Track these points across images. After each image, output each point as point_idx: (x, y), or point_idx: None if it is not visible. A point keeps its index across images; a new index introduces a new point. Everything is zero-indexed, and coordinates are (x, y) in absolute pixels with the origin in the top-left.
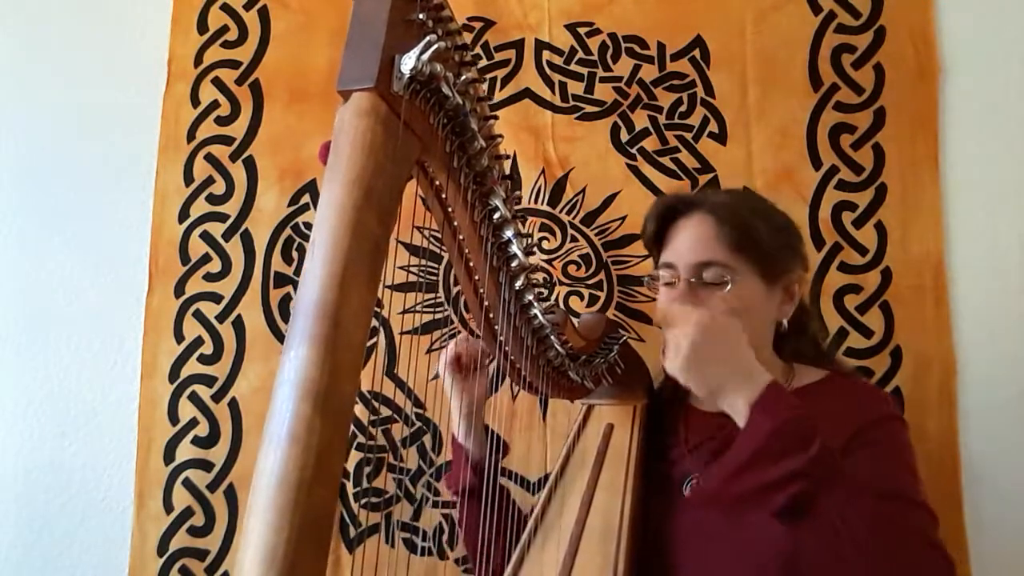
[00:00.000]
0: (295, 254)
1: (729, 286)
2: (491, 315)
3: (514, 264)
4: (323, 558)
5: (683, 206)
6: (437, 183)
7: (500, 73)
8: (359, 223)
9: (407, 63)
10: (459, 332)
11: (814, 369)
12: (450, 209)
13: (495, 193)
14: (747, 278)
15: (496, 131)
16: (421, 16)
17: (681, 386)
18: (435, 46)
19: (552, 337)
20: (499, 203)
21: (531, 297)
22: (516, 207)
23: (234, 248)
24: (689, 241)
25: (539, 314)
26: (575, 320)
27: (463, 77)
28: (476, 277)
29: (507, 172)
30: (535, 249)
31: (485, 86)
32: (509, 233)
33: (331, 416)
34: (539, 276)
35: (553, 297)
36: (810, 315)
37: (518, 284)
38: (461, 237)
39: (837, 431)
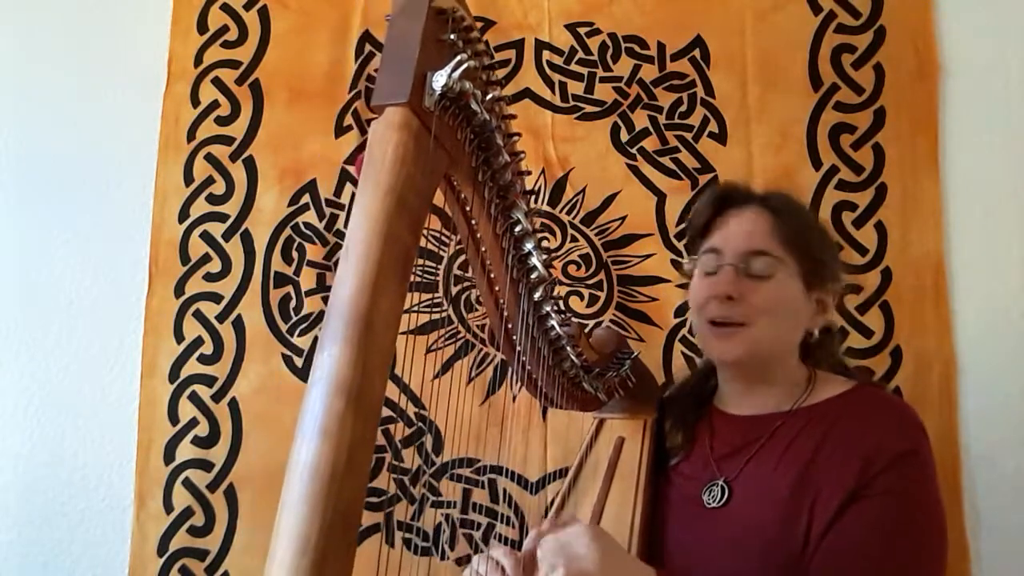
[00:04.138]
0: (295, 254)
1: (771, 278)
2: (510, 325)
3: (534, 276)
4: (352, 548)
5: (740, 197)
6: (463, 196)
7: (500, 73)
8: (391, 231)
9: (438, 80)
10: (459, 333)
11: (838, 379)
12: (474, 222)
13: (517, 207)
14: (791, 278)
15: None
16: (452, 36)
17: (705, 386)
18: (465, 65)
19: (568, 348)
20: (521, 216)
21: (549, 308)
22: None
23: (234, 248)
24: (743, 230)
25: (556, 325)
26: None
27: (490, 95)
28: (497, 288)
29: (528, 187)
30: (553, 263)
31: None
32: (530, 246)
33: (362, 412)
34: (559, 290)
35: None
36: (832, 335)
37: (537, 295)
38: (483, 249)
39: (854, 452)
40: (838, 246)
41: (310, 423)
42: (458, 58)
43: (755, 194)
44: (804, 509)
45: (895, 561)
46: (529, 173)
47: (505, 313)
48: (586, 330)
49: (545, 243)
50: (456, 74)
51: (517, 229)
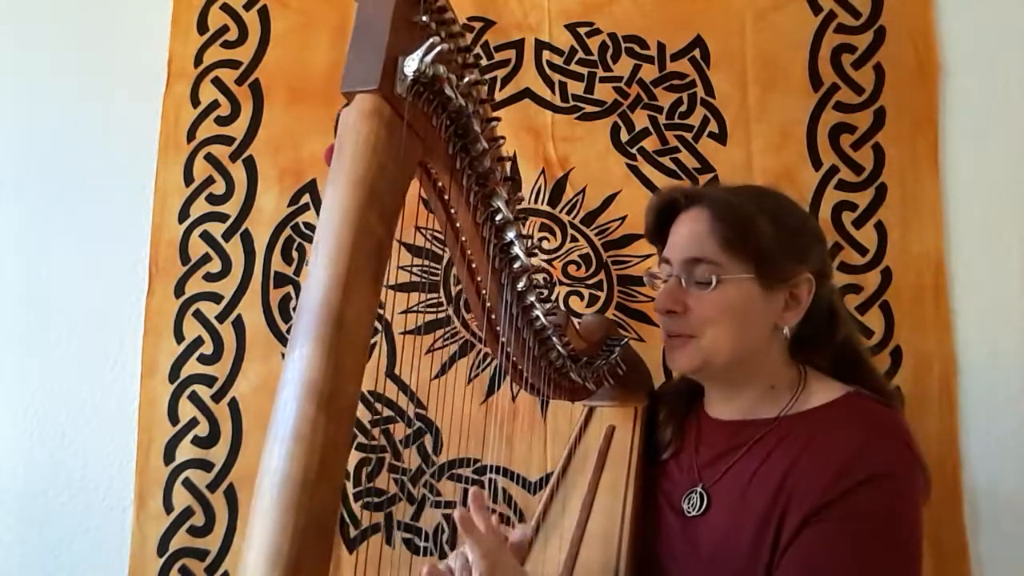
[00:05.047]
0: (295, 254)
1: (713, 286)
2: (493, 316)
3: (516, 265)
4: (327, 556)
5: (685, 199)
6: (440, 184)
7: (500, 73)
8: (362, 223)
9: (410, 65)
10: (459, 333)
11: (831, 384)
12: (453, 211)
13: (497, 195)
14: (739, 280)
15: (498, 133)
16: (424, 18)
17: (695, 388)
18: (438, 48)
19: (554, 338)
20: (501, 205)
21: (533, 298)
22: (518, 207)
23: (234, 248)
24: (683, 236)
25: (541, 315)
26: (576, 322)
27: (466, 79)
28: (479, 278)
29: (509, 174)
30: (536, 250)
31: (487, 88)
32: (511, 235)
33: (335, 415)
34: (540, 277)
35: (553, 297)
36: (838, 330)
37: (520, 285)
38: (463, 239)
39: (826, 469)
40: (810, 232)
41: (280, 426)
42: (430, 41)
43: (697, 194)
44: (773, 524)
45: None
46: (511, 159)
47: (488, 304)
48: (580, 320)
49: (545, 243)
50: (429, 58)
51: (498, 218)
